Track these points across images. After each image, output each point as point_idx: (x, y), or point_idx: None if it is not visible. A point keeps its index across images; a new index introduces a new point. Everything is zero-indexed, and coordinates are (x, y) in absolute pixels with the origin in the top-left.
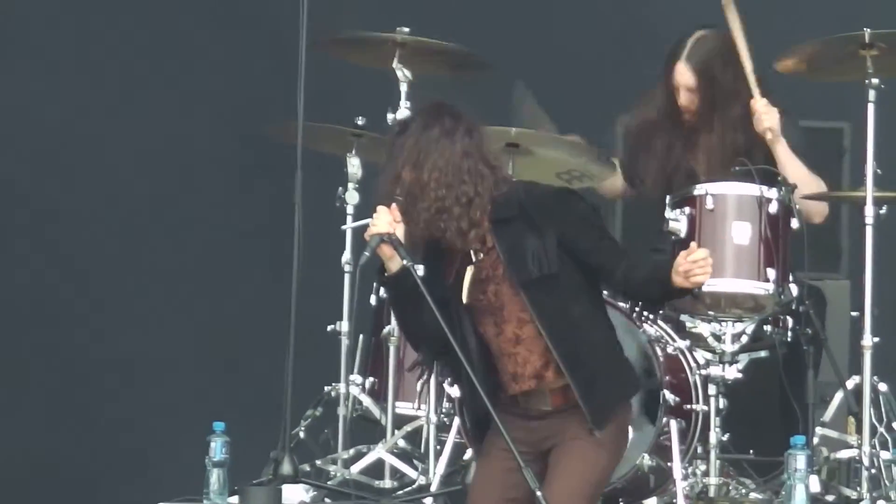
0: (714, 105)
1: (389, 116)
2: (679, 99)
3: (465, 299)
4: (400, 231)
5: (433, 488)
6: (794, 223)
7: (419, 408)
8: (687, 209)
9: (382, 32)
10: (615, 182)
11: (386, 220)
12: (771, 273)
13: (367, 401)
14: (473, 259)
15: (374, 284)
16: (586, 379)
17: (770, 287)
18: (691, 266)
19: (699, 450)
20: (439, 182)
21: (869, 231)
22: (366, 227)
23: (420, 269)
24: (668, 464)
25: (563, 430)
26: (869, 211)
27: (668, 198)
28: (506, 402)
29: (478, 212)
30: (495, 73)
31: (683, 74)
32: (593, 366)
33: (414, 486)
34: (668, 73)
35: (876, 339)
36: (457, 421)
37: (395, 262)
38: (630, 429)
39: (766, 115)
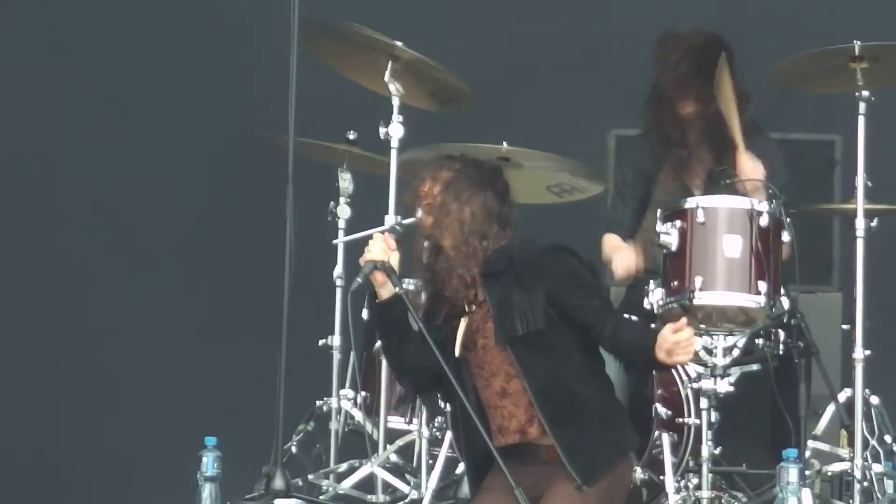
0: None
1: (381, 131)
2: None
3: (456, 351)
4: (394, 259)
5: (425, 503)
6: (786, 236)
7: (411, 422)
8: (678, 222)
9: (382, 37)
10: (629, 262)
11: (380, 248)
12: (762, 286)
13: (358, 415)
14: (467, 310)
15: (367, 298)
16: (572, 437)
17: (761, 300)
18: (673, 346)
19: (691, 463)
20: (472, 223)
21: (860, 243)
22: (358, 241)
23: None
24: (661, 477)
25: (557, 474)
26: (860, 223)
27: (658, 211)
28: (503, 449)
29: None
30: (487, 88)
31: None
32: (581, 423)
33: (406, 501)
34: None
35: (867, 352)
36: (449, 435)
37: (386, 290)
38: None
39: (753, 172)
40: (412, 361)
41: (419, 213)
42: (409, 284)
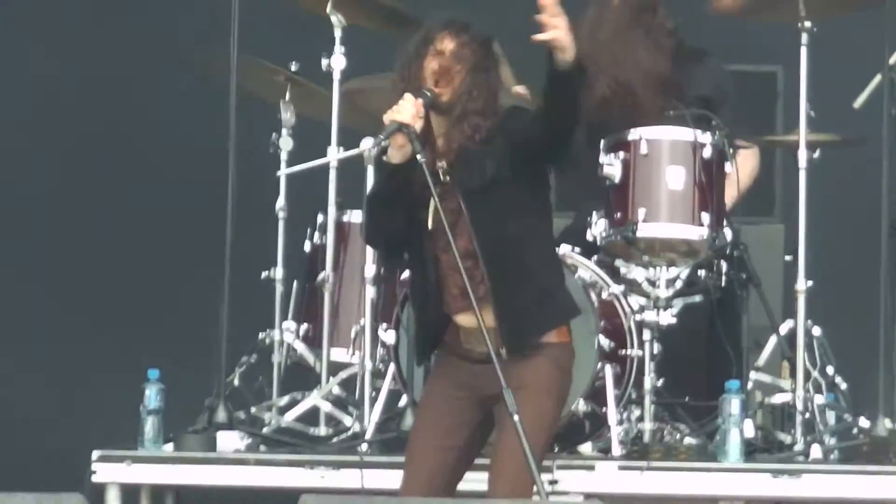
0: None
1: (324, 62)
2: None
3: (429, 222)
4: (418, 127)
5: (368, 435)
6: (728, 167)
7: (354, 354)
8: (621, 154)
9: None
10: None
11: (410, 112)
12: (705, 217)
13: (301, 347)
14: (442, 179)
15: (309, 230)
16: (509, 299)
17: (704, 231)
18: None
19: (634, 395)
20: (489, 96)
21: (802, 175)
22: (301, 173)
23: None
24: (603, 409)
25: (509, 378)
26: (802, 155)
27: (601, 142)
28: (450, 342)
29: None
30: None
31: None
32: (519, 288)
33: (349, 434)
34: None
35: (809, 283)
36: (392, 368)
37: (401, 153)
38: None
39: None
40: (392, 228)
41: (431, 71)
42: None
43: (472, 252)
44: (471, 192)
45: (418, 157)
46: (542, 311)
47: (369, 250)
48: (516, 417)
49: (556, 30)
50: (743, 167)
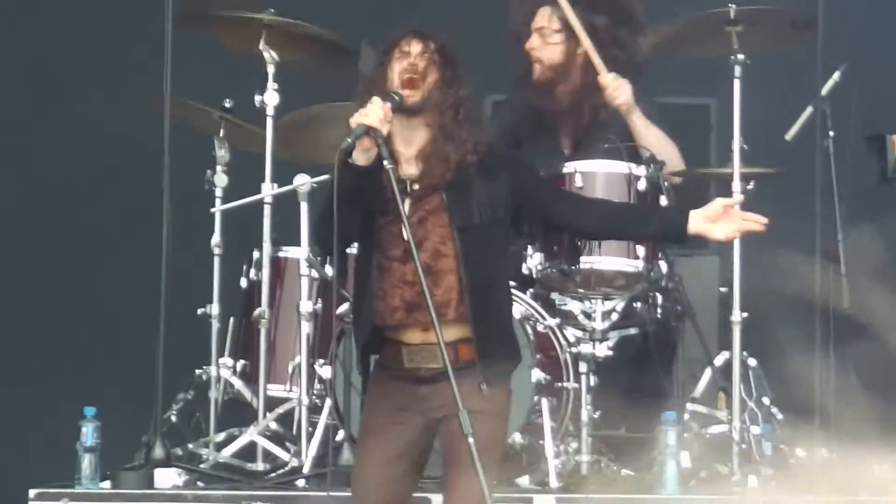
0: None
1: (257, 98)
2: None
3: (405, 232)
4: (385, 130)
5: (305, 470)
6: (664, 200)
7: (291, 390)
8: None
9: (249, 14)
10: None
11: (377, 116)
12: (640, 250)
13: (238, 383)
14: (408, 188)
15: (244, 267)
16: (486, 333)
17: (640, 264)
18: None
19: (571, 427)
20: (465, 108)
21: (736, 207)
22: (235, 209)
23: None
24: (540, 441)
25: (454, 400)
26: (736, 187)
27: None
28: (389, 363)
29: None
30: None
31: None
32: (494, 324)
33: (286, 469)
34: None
35: (745, 315)
36: (328, 402)
37: (366, 157)
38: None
39: (618, 90)
40: (348, 230)
41: (399, 79)
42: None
43: (429, 268)
44: (466, 226)
45: (385, 162)
46: (511, 348)
47: (304, 286)
48: (471, 440)
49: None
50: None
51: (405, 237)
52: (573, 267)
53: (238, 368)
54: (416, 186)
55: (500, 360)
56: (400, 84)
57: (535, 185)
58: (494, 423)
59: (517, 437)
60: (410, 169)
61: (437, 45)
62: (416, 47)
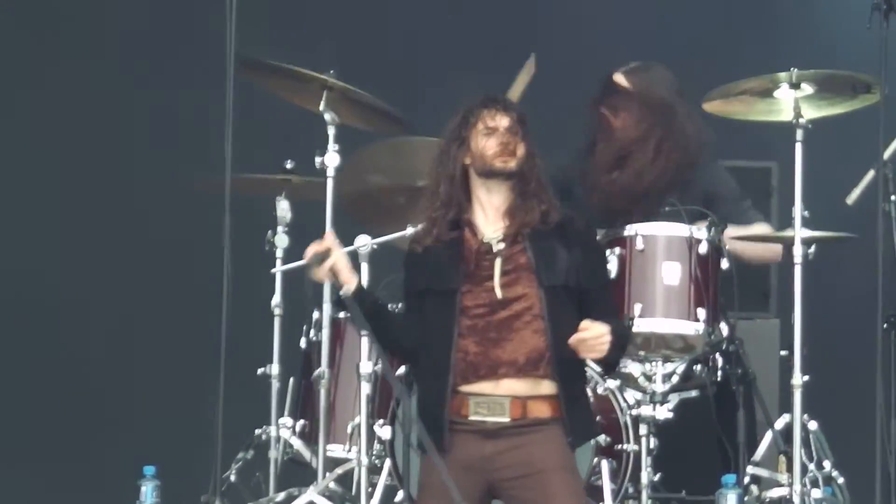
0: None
1: (317, 160)
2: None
3: (498, 291)
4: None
5: None
6: (724, 263)
7: (350, 450)
8: (617, 249)
9: (312, 72)
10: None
11: (313, 249)
12: (701, 313)
13: (297, 443)
14: (494, 249)
15: (304, 327)
16: (573, 393)
17: (700, 327)
18: (577, 344)
19: (630, 490)
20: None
21: (798, 270)
22: (296, 270)
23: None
24: None
25: (533, 460)
26: (797, 251)
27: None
28: (458, 419)
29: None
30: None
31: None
32: (579, 384)
33: None
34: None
35: (805, 378)
36: (388, 463)
37: (348, 279)
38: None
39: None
40: (398, 334)
41: (491, 149)
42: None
43: (512, 327)
44: (554, 286)
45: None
46: (590, 412)
47: (364, 346)
48: None
49: (590, 355)
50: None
51: (498, 296)
52: (633, 329)
53: (298, 428)
54: (502, 245)
55: (587, 421)
56: (495, 158)
57: (598, 269)
58: (575, 481)
59: None
60: (493, 231)
61: (519, 117)
62: (503, 121)
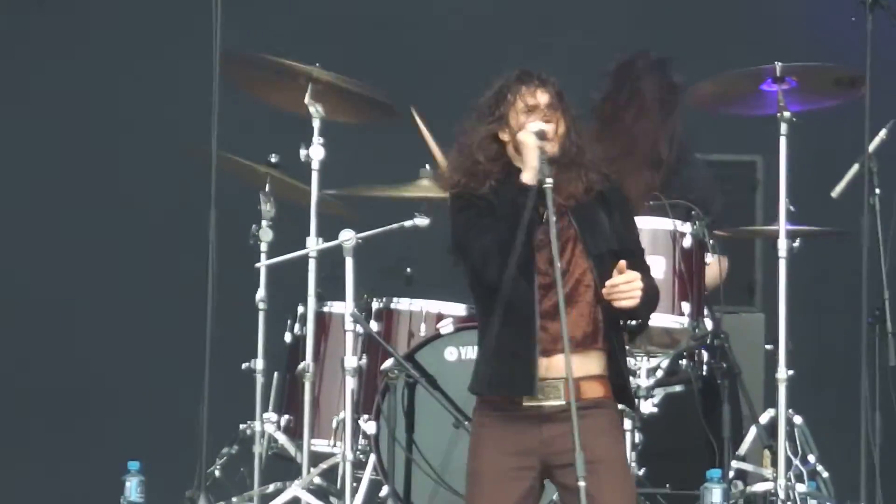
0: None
1: (302, 153)
2: None
3: (556, 260)
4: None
5: None
6: (709, 258)
7: (335, 445)
8: None
9: (297, 64)
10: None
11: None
12: (686, 307)
13: (282, 438)
14: (541, 220)
15: (289, 322)
16: (620, 369)
17: (685, 321)
18: (611, 290)
19: None
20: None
21: (783, 264)
22: (280, 264)
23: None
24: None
25: (587, 448)
26: (782, 244)
27: None
28: (511, 407)
29: None
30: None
31: None
32: (623, 359)
33: None
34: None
35: (790, 372)
36: (372, 458)
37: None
38: None
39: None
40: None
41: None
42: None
43: (574, 299)
44: (601, 254)
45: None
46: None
47: (349, 341)
48: (582, 483)
49: (626, 303)
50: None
51: (556, 266)
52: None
53: (282, 423)
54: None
55: (629, 384)
56: (539, 139)
57: (633, 233)
58: (626, 474)
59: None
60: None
61: (557, 91)
62: (542, 98)
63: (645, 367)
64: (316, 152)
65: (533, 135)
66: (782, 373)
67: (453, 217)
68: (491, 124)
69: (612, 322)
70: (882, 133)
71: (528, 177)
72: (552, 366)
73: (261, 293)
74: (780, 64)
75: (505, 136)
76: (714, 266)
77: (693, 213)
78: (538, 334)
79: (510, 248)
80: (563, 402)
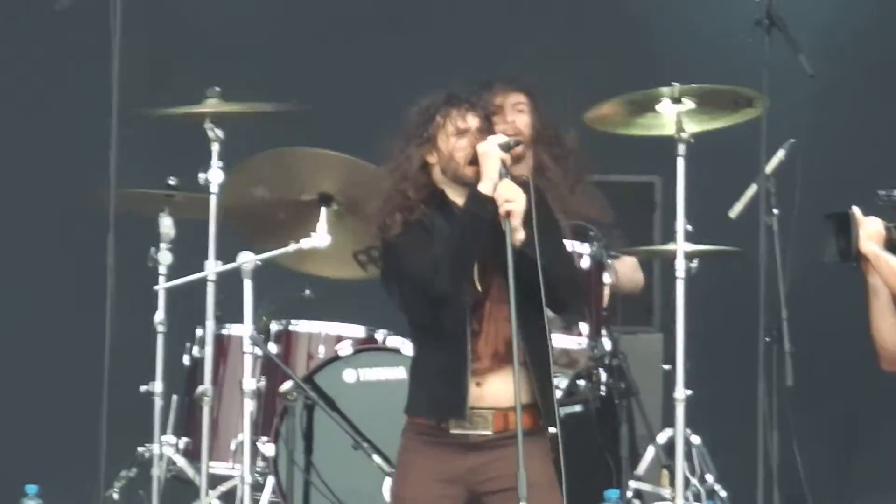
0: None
1: (201, 177)
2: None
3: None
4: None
5: None
6: (607, 278)
7: (234, 467)
8: None
9: (194, 105)
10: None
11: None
12: (583, 327)
13: (181, 461)
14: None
15: (188, 344)
16: (545, 376)
17: (583, 341)
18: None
19: None
20: None
21: (680, 285)
22: (179, 287)
23: None
24: None
25: (510, 473)
26: (680, 265)
27: None
28: (439, 433)
29: None
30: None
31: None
32: (547, 371)
33: None
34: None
35: (688, 392)
36: (271, 480)
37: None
38: None
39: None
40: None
41: (463, 152)
42: None
43: (492, 315)
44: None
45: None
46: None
47: (248, 363)
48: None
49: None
50: (631, 271)
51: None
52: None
53: (181, 446)
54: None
55: (552, 402)
56: (467, 167)
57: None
58: (552, 495)
59: None
60: None
61: (486, 114)
62: (473, 122)
63: None
64: (214, 175)
65: (497, 146)
66: (680, 393)
67: (386, 244)
68: (420, 146)
69: (534, 336)
70: (780, 153)
71: (485, 187)
72: (483, 395)
73: (160, 315)
74: (677, 85)
75: (432, 159)
76: (630, 263)
77: (591, 233)
78: (469, 355)
79: (464, 256)
80: (490, 433)
